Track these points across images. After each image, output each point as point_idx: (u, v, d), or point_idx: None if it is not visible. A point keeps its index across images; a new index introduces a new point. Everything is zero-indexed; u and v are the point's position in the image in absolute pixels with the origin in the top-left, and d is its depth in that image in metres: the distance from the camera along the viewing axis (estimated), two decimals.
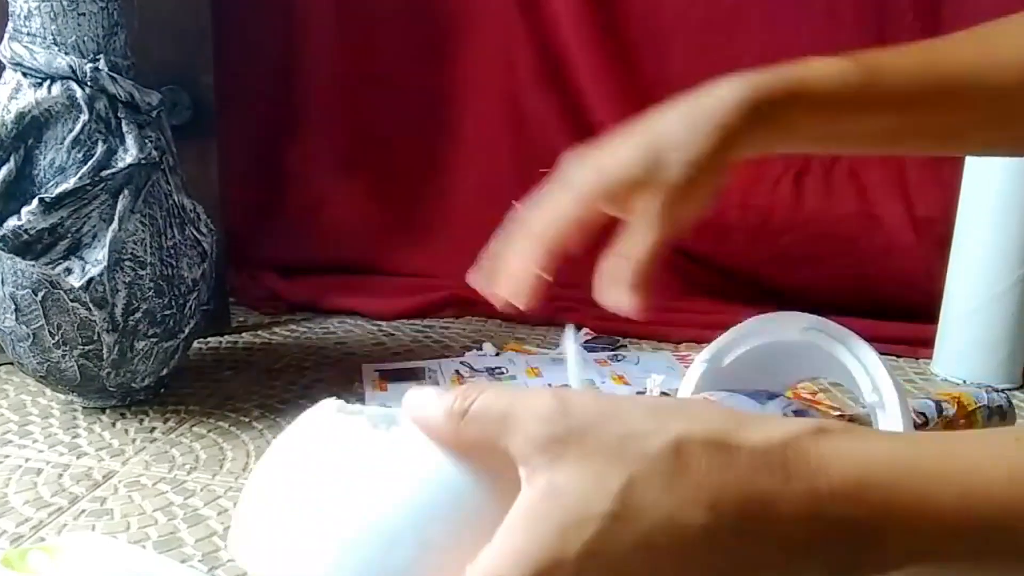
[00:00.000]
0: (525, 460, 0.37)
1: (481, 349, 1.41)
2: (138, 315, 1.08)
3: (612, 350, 1.41)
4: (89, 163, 1.03)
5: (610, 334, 1.45)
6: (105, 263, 1.03)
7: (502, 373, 1.31)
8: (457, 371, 1.31)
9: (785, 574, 0.38)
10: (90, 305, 1.04)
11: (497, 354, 1.39)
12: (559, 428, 0.37)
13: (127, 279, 1.06)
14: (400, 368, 1.32)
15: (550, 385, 1.24)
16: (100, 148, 1.04)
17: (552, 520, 0.36)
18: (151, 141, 1.08)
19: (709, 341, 0.79)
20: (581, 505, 0.36)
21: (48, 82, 1.03)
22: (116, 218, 1.04)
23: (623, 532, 0.35)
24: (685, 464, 0.36)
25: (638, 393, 1.22)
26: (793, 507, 0.37)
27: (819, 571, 0.38)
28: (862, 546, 0.37)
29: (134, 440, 1.09)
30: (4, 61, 1.05)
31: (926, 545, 0.38)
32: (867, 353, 0.72)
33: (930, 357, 1.37)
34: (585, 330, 1.44)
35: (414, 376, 1.29)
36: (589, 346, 1.41)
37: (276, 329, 1.52)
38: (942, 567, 0.39)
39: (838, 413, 1.19)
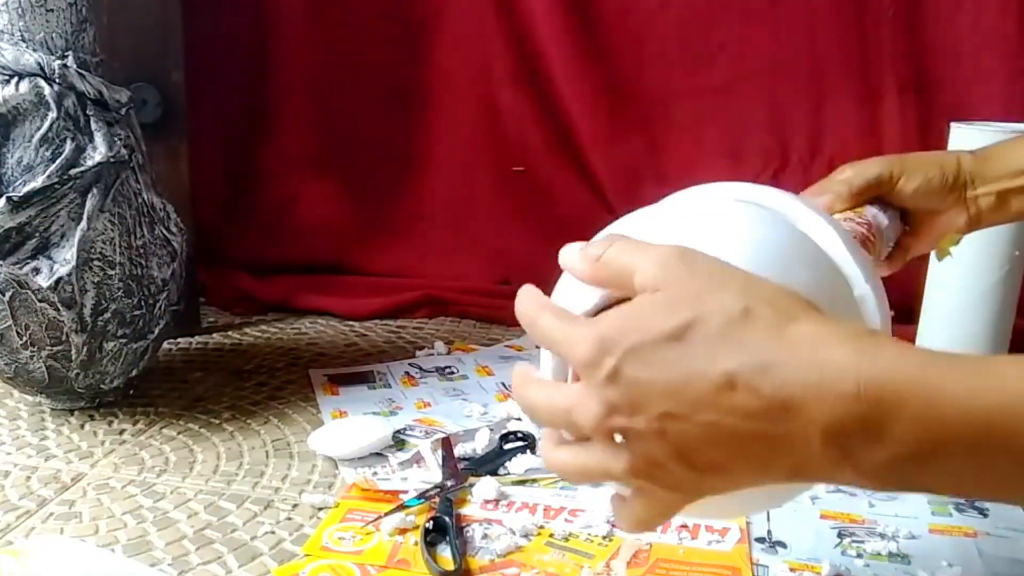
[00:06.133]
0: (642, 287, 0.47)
1: (432, 348, 1.40)
2: (107, 315, 1.07)
3: None
4: (57, 161, 1.02)
5: None
6: (74, 263, 1.02)
7: (453, 373, 1.30)
8: (407, 372, 1.30)
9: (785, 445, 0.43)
10: (58, 305, 1.03)
11: (448, 353, 1.39)
12: (671, 274, 0.46)
13: (96, 279, 1.05)
14: (349, 372, 1.31)
15: (503, 384, 1.25)
16: (69, 146, 1.03)
17: (627, 316, 0.46)
18: (120, 139, 1.07)
19: None
20: (651, 317, 0.45)
21: (16, 79, 1.02)
22: (85, 217, 1.03)
23: (666, 349, 0.44)
24: (743, 329, 0.44)
25: None
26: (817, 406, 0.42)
27: (821, 447, 0.43)
28: (868, 432, 0.42)
29: (103, 442, 1.07)
30: None
31: (929, 434, 0.41)
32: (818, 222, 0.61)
33: None
34: None
35: (364, 379, 1.27)
36: None
37: (247, 330, 1.51)
38: (941, 466, 0.42)
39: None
